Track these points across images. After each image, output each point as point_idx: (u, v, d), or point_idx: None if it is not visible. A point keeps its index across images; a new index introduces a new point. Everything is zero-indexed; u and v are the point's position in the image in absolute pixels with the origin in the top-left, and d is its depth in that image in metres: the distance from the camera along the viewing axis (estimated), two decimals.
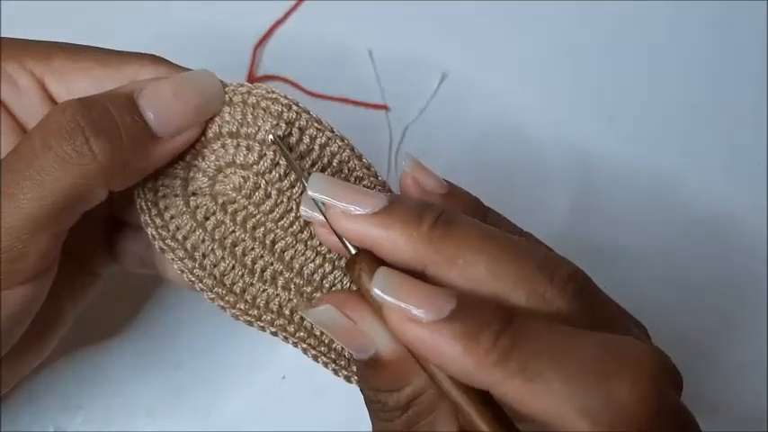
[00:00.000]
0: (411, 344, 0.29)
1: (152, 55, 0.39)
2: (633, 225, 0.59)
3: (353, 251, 0.33)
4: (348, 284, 0.39)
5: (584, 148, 0.61)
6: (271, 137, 0.37)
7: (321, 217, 0.34)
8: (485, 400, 0.30)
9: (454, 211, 0.32)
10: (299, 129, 0.38)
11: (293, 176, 0.38)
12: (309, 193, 0.33)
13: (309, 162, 0.38)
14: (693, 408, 0.32)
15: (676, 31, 0.65)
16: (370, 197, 0.32)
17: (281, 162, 0.37)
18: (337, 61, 0.62)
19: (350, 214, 0.32)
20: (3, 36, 0.39)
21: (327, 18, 0.62)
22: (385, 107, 0.61)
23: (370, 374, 0.32)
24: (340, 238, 0.33)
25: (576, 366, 0.28)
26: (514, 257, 0.30)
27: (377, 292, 0.29)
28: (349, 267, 0.33)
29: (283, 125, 0.37)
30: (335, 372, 0.38)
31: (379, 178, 0.39)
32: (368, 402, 0.33)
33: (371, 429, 0.34)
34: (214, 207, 0.38)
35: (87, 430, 0.50)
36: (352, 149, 0.38)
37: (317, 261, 0.38)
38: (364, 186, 0.37)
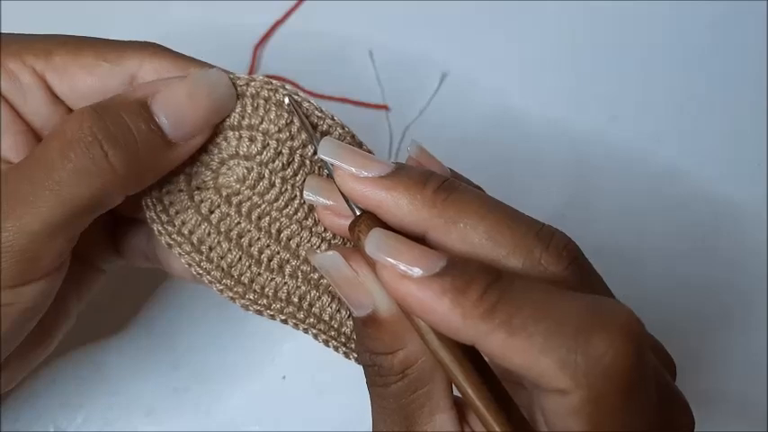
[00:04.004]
0: (402, 299, 0.30)
1: (153, 44, 0.39)
2: (633, 225, 0.59)
3: (358, 212, 0.33)
4: None
5: (585, 148, 0.61)
6: (287, 99, 0.37)
7: (324, 200, 0.35)
8: (473, 362, 0.31)
9: (457, 180, 0.33)
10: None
11: (296, 164, 0.38)
12: (320, 155, 0.34)
13: (312, 149, 0.38)
14: (693, 406, 0.32)
15: (676, 30, 0.65)
16: (378, 162, 0.33)
17: (283, 151, 0.38)
18: (337, 61, 0.62)
19: (358, 176, 0.33)
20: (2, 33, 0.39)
21: (328, 18, 0.62)
22: (385, 107, 0.61)
23: (366, 334, 0.33)
24: (346, 199, 0.34)
25: (559, 322, 0.28)
26: (513, 224, 0.31)
27: (371, 249, 0.31)
28: (350, 229, 0.33)
29: (285, 113, 0.37)
30: (346, 355, 0.39)
31: None
32: (365, 369, 0.34)
33: (371, 410, 0.34)
34: (218, 200, 0.39)
35: (87, 430, 0.50)
36: (353, 136, 0.39)
37: (323, 247, 0.39)
38: None
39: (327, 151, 0.34)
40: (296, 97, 0.38)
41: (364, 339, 0.33)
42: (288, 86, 0.38)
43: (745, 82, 0.64)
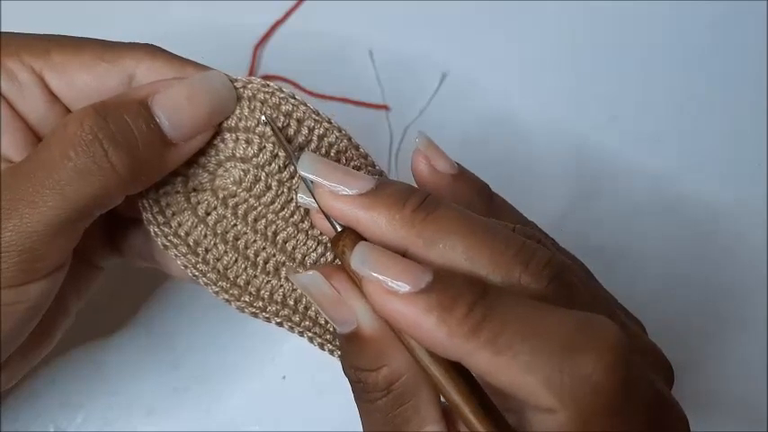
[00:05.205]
0: (388, 315, 0.30)
1: (149, 45, 0.39)
2: (633, 225, 0.59)
3: (339, 229, 0.33)
4: None
5: (585, 148, 0.61)
6: (263, 117, 0.37)
7: (315, 204, 0.35)
8: (462, 375, 0.31)
9: (438, 197, 0.33)
10: (297, 120, 0.38)
11: (293, 167, 0.38)
12: (299, 171, 0.33)
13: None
14: (693, 406, 0.32)
15: (676, 30, 0.65)
16: (358, 179, 0.33)
17: (280, 153, 0.38)
18: (338, 61, 0.62)
19: (337, 194, 0.32)
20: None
21: (328, 18, 0.62)
22: (385, 107, 0.61)
23: (350, 350, 0.33)
24: (327, 216, 0.33)
25: (545, 340, 0.28)
26: (492, 244, 0.31)
27: (356, 264, 0.30)
28: (334, 244, 0.33)
29: (282, 117, 0.37)
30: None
31: (377, 167, 0.39)
32: (351, 384, 0.34)
33: (361, 423, 0.34)
34: (215, 202, 0.39)
35: (87, 430, 0.50)
36: (350, 139, 0.39)
37: (319, 250, 0.39)
38: None
39: (307, 167, 0.33)
40: (292, 100, 0.38)
41: (348, 356, 0.33)
42: (285, 89, 0.38)
43: (745, 82, 0.64)
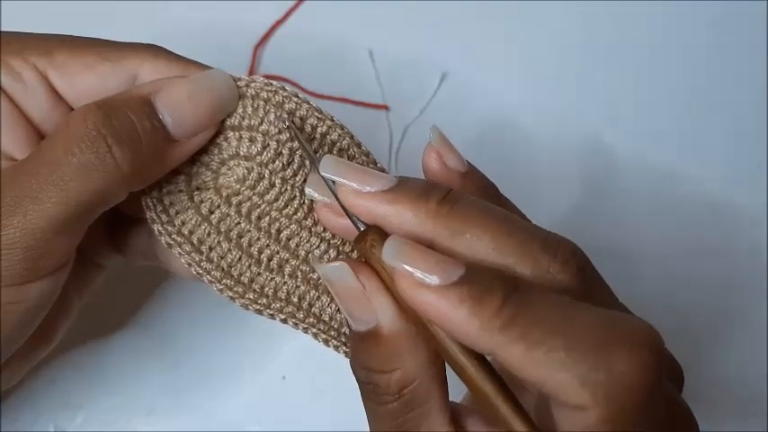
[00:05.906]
0: (420, 308, 0.30)
1: (152, 46, 0.39)
2: (633, 225, 0.59)
3: (362, 227, 0.33)
4: None
5: (585, 149, 0.61)
6: (285, 122, 0.37)
7: (325, 198, 0.35)
8: (490, 369, 0.31)
9: (459, 192, 0.33)
10: (300, 118, 0.38)
11: (296, 164, 0.38)
12: (322, 172, 0.34)
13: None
14: (693, 407, 0.32)
15: (676, 31, 0.65)
16: (380, 177, 0.33)
17: (283, 152, 0.38)
18: (337, 61, 0.62)
19: (360, 191, 0.33)
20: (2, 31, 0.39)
21: (328, 18, 0.62)
22: (385, 107, 0.61)
23: (363, 350, 0.33)
24: (349, 215, 0.34)
25: (578, 337, 0.28)
26: (519, 233, 0.31)
27: (388, 257, 0.30)
28: (359, 240, 0.33)
29: (286, 116, 0.38)
30: (347, 354, 0.39)
31: (378, 164, 0.40)
32: (360, 385, 0.34)
33: (367, 421, 0.34)
34: (218, 200, 0.39)
35: (87, 430, 0.50)
36: (352, 137, 0.39)
37: (322, 247, 0.39)
38: None
39: (329, 168, 0.34)
40: (295, 99, 0.38)
41: (360, 355, 0.33)
42: (288, 87, 0.38)
43: (745, 82, 0.64)
